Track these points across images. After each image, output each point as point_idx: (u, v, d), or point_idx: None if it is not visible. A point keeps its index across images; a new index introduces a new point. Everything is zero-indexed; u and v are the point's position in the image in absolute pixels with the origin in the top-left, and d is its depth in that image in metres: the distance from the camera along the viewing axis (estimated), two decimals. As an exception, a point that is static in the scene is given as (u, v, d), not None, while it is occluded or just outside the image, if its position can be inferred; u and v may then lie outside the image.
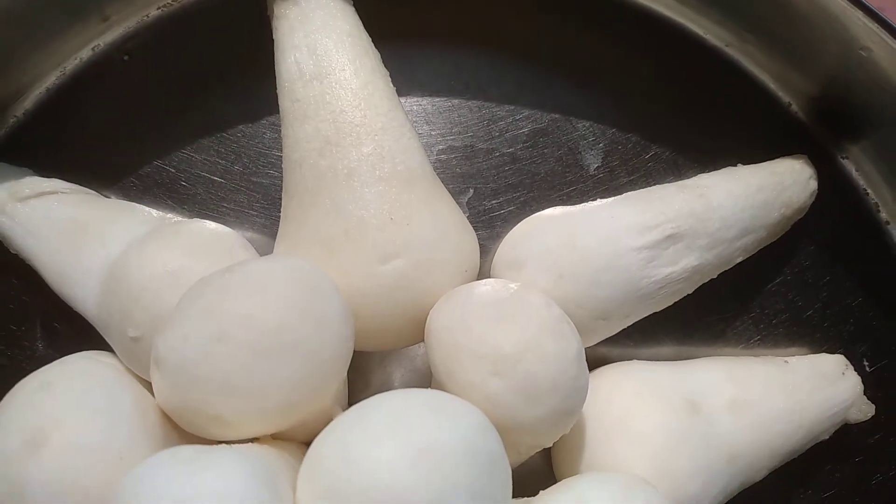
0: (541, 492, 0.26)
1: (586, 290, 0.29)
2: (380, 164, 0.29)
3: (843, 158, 0.36)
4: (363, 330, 0.28)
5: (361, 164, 0.29)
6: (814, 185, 0.34)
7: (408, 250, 0.28)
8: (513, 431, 0.25)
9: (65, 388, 0.23)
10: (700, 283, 0.32)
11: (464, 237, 0.30)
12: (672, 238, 0.30)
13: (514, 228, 0.31)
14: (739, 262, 0.34)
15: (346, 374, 0.27)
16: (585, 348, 0.28)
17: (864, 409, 0.33)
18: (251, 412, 0.24)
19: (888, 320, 0.36)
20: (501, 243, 0.32)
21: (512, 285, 0.27)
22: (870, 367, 0.35)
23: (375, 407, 0.23)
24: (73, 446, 0.22)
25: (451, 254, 0.29)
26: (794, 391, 0.32)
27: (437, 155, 0.36)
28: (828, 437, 0.33)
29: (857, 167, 0.36)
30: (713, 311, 0.35)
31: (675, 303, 0.33)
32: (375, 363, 0.35)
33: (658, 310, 0.32)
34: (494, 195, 0.36)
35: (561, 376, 0.25)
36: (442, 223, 0.29)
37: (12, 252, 0.33)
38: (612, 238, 0.30)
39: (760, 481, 0.33)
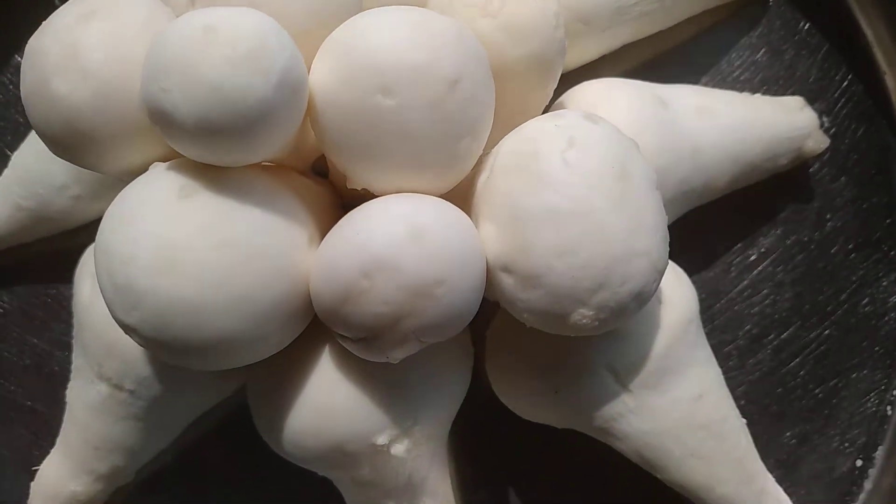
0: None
1: (569, -8, 0.33)
2: None
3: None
4: None
5: None
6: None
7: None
8: (501, 76, 0.29)
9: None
10: (673, 19, 0.36)
11: None
12: (646, -41, 0.34)
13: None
14: (710, 27, 0.38)
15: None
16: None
17: (820, 140, 0.36)
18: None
19: (844, 81, 0.39)
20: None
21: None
22: (828, 123, 0.39)
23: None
24: (120, 21, 0.25)
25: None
26: (755, 110, 0.35)
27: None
28: (786, 164, 0.36)
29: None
30: (685, 63, 0.39)
31: (652, 52, 0.37)
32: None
33: (633, 38, 0.36)
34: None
35: (542, 23, 0.29)
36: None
37: None
38: (593, -48, 0.34)
39: (728, 217, 0.37)
